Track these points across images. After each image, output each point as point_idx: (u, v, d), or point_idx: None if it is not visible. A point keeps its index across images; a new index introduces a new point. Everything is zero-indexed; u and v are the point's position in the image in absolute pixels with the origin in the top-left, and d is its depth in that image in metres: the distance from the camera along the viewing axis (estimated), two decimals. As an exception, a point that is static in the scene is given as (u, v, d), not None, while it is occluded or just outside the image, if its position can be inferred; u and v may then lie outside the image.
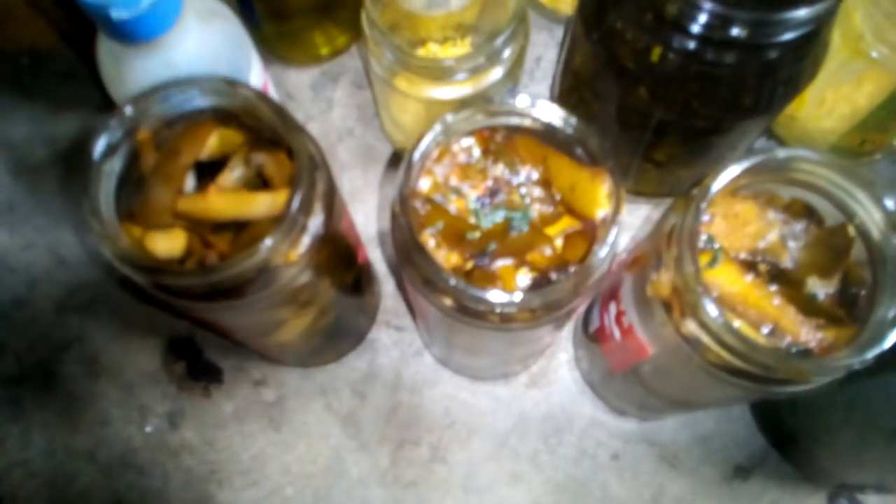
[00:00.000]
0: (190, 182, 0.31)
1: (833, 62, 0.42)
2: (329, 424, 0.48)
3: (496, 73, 0.40)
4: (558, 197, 0.32)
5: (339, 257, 0.35)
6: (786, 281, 0.31)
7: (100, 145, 0.28)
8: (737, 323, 0.30)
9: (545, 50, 0.56)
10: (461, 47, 0.45)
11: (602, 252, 0.28)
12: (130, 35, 0.30)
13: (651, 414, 0.46)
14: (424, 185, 0.31)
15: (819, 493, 0.47)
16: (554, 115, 0.30)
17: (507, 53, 0.39)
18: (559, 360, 0.49)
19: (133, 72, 0.32)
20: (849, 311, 0.30)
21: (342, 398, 0.48)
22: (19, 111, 0.55)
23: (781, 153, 0.29)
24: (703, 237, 0.31)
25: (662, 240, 0.30)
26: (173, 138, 0.30)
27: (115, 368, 0.49)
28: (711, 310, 0.27)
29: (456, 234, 0.30)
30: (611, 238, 0.28)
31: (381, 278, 0.50)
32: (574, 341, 0.49)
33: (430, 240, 0.30)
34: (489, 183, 0.32)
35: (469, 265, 0.30)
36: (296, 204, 0.27)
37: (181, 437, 0.47)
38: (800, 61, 0.36)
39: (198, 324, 0.48)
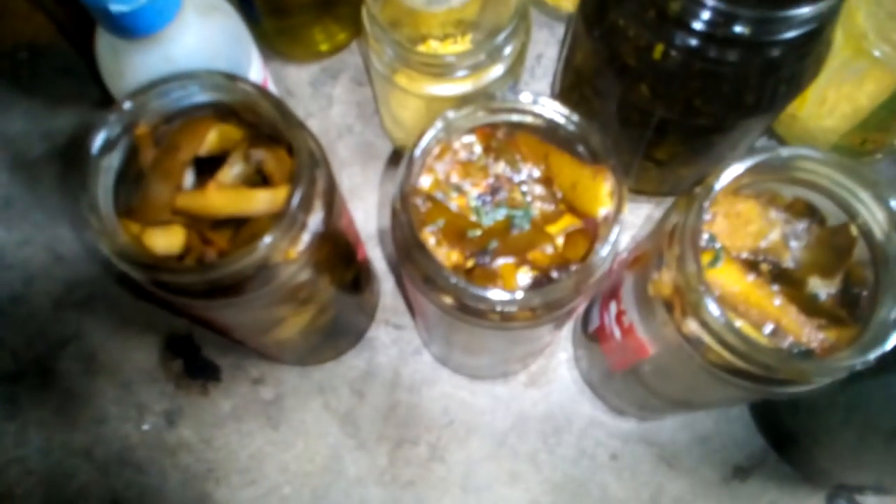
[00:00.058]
0: (189, 178, 0.31)
1: (835, 61, 0.42)
2: (327, 423, 0.47)
3: (497, 70, 0.40)
4: (560, 195, 0.31)
5: (339, 255, 0.35)
6: (787, 281, 0.31)
7: (98, 140, 0.28)
8: (738, 323, 0.30)
9: (546, 47, 0.56)
10: (462, 44, 0.45)
11: (604, 251, 0.28)
12: (129, 29, 0.30)
13: (650, 414, 0.46)
14: (425, 182, 0.31)
15: (818, 493, 0.46)
16: (556, 112, 0.30)
17: (508, 50, 0.39)
18: (558, 359, 0.49)
19: (132, 66, 0.32)
20: (851, 311, 0.30)
21: (340, 397, 0.48)
22: (17, 106, 0.54)
23: (784, 152, 0.29)
24: (705, 236, 0.31)
25: (664, 239, 0.30)
26: (172, 134, 0.30)
27: (112, 366, 0.49)
28: (713, 309, 0.27)
29: (457, 232, 0.30)
30: (612, 237, 0.28)
31: (380, 276, 0.50)
32: (573, 340, 0.49)
33: (430, 237, 0.30)
34: (490, 180, 0.32)
35: (470, 263, 0.30)
36: (296, 201, 0.27)
37: (179, 435, 0.47)
38: (802, 60, 0.36)
39: (196, 321, 0.48)
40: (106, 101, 0.32)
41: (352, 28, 0.54)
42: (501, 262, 0.30)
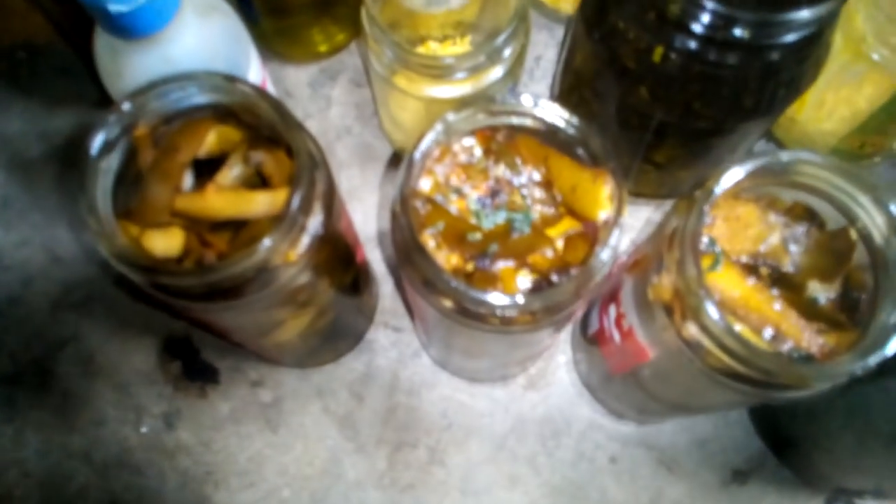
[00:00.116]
0: (188, 180, 0.31)
1: (834, 64, 0.42)
2: (326, 426, 0.47)
3: (496, 72, 0.40)
4: (559, 198, 0.31)
5: (338, 257, 0.35)
6: (787, 285, 0.31)
7: (97, 142, 0.28)
8: (738, 327, 0.30)
9: (545, 49, 0.56)
10: (461, 46, 0.45)
11: (604, 254, 0.28)
12: (128, 30, 0.30)
13: (650, 417, 0.46)
14: (425, 184, 0.31)
15: (817, 497, 0.46)
16: (556, 115, 0.30)
17: (507, 52, 0.39)
18: (557, 362, 0.49)
19: (131, 67, 0.31)
20: (850, 315, 0.30)
21: (339, 399, 0.48)
22: (15, 106, 0.54)
23: (784, 156, 0.29)
24: (705, 240, 0.31)
25: (664, 242, 0.30)
26: (171, 135, 0.30)
27: (110, 368, 0.48)
28: (713, 313, 0.27)
29: (457, 235, 0.30)
30: (613, 240, 0.28)
31: (379, 278, 0.50)
32: (572, 343, 0.49)
33: (430, 240, 0.30)
34: (490, 183, 0.31)
35: (470, 266, 0.30)
36: (295, 203, 0.27)
37: (177, 437, 0.47)
38: (801, 63, 0.36)
39: (195, 324, 0.48)
40: (104, 101, 0.32)
41: (351, 29, 0.54)
42: (501, 265, 0.30)
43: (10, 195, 0.52)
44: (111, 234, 0.27)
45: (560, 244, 0.31)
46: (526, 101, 0.30)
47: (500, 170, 0.31)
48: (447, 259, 0.30)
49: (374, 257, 0.51)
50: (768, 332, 0.30)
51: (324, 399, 0.48)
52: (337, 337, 0.46)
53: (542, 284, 0.30)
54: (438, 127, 0.29)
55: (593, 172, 0.29)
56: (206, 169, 0.31)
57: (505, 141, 0.32)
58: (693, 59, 0.34)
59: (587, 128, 0.29)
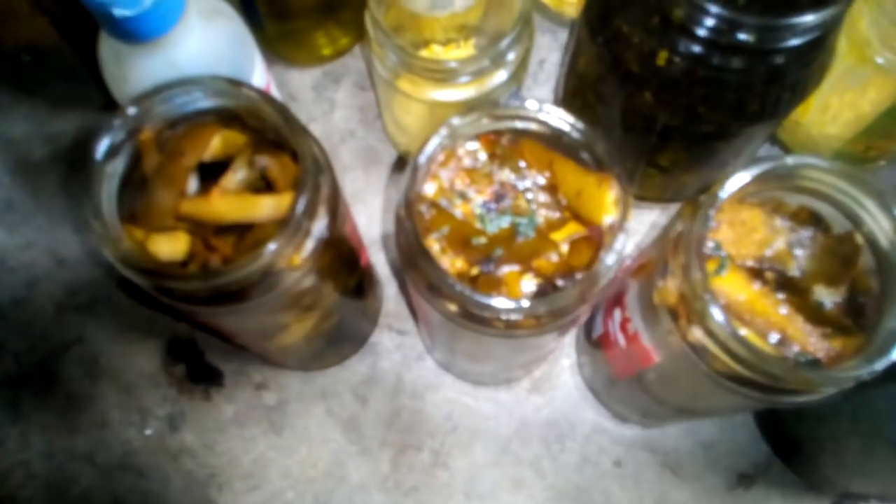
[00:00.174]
0: (193, 184, 0.31)
1: (839, 68, 0.42)
2: (330, 429, 0.47)
3: (500, 75, 0.40)
4: (564, 202, 0.31)
5: (342, 261, 0.35)
6: (793, 289, 0.31)
7: (102, 146, 0.28)
8: (744, 331, 0.30)
9: (549, 53, 0.56)
10: (465, 49, 0.45)
11: (609, 259, 0.28)
12: (133, 33, 0.30)
13: (654, 421, 0.46)
14: (430, 189, 0.31)
15: (822, 501, 0.46)
16: (561, 119, 0.30)
17: (511, 56, 0.39)
18: (562, 365, 0.49)
19: (135, 71, 0.31)
20: (856, 320, 0.30)
21: (343, 402, 0.48)
22: (19, 109, 0.54)
23: (790, 160, 0.29)
24: (710, 244, 0.31)
25: (669, 247, 0.30)
26: (176, 139, 0.30)
27: (114, 370, 0.48)
28: (718, 318, 0.27)
29: (461, 239, 0.30)
30: (618, 245, 0.28)
31: (383, 281, 0.50)
32: (577, 347, 0.49)
33: (435, 245, 0.30)
34: (495, 187, 0.31)
35: (474, 271, 0.30)
36: (300, 207, 0.27)
37: (181, 440, 0.47)
38: (806, 67, 0.36)
39: (199, 327, 0.48)
40: (109, 105, 0.32)
41: (354, 32, 0.54)
42: (506, 269, 0.30)
43: (15, 198, 0.53)
44: (116, 237, 0.27)
45: (565, 248, 0.31)
46: (530, 105, 0.30)
47: (505, 174, 0.31)
48: (452, 263, 0.30)
49: (379, 260, 0.51)
50: (774, 337, 0.30)
51: (328, 402, 0.48)
52: (341, 340, 0.46)
53: (546, 289, 0.30)
54: (443, 131, 0.29)
55: (598, 177, 0.29)
56: (210, 173, 0.31)
57: (509, 145, 0.32)
58: (697, 64, 0.34)
59: (592, 132, 0.29)
